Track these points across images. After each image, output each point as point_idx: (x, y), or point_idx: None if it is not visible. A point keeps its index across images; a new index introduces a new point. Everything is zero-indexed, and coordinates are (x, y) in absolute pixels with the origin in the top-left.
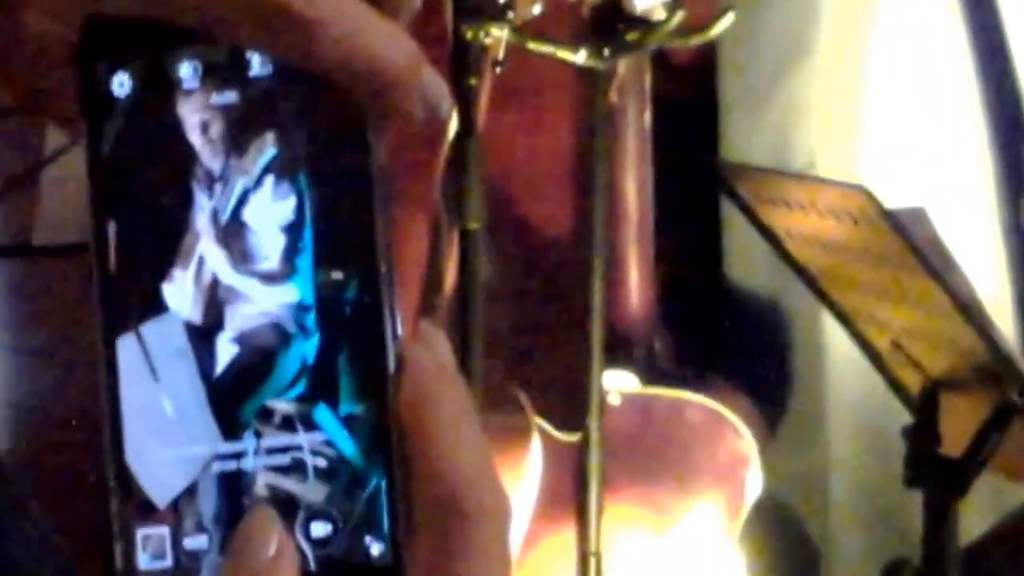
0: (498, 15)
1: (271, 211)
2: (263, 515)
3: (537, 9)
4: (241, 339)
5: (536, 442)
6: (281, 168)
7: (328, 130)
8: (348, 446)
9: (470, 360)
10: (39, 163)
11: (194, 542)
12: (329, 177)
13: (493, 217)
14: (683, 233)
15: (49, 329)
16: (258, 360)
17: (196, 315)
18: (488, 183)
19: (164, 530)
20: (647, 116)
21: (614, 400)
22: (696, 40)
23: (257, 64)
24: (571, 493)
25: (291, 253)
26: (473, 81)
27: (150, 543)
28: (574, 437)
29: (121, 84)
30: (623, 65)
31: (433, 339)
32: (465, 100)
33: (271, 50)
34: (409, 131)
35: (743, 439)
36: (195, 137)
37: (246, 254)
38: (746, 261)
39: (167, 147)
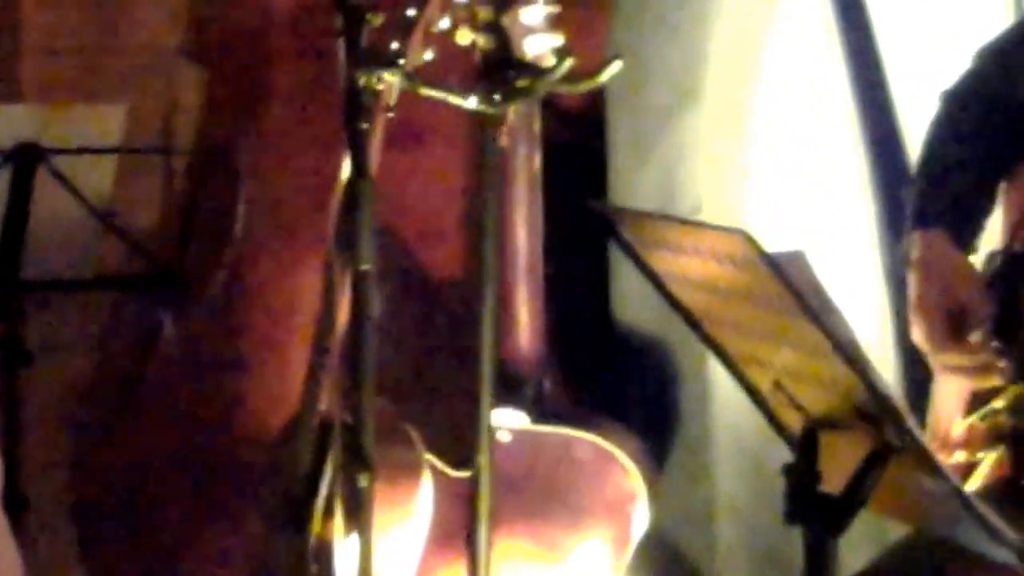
0: (390, 61)
1: None
2: None
3: (429, 55)
4: None
5: (427, 478)
6: None
7: None
8: None
9: (361, 398)
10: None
11: None
12: None
13: (385, 258)
14: (573, 275)
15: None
16: None
17: None
18: (381, 225)
19: None
20: (537, 160)
21: (504, 437)
22: (585, 86)
23: None
24: (462, 528)
25: None
26: (365, 125)
27: None
28: (464, 473)
29: None
30: (513, 110)
31: None
32: (357, 144)
33: None
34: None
35: (630, 476)
36: None
37: None
38: (634, 302)
39: None
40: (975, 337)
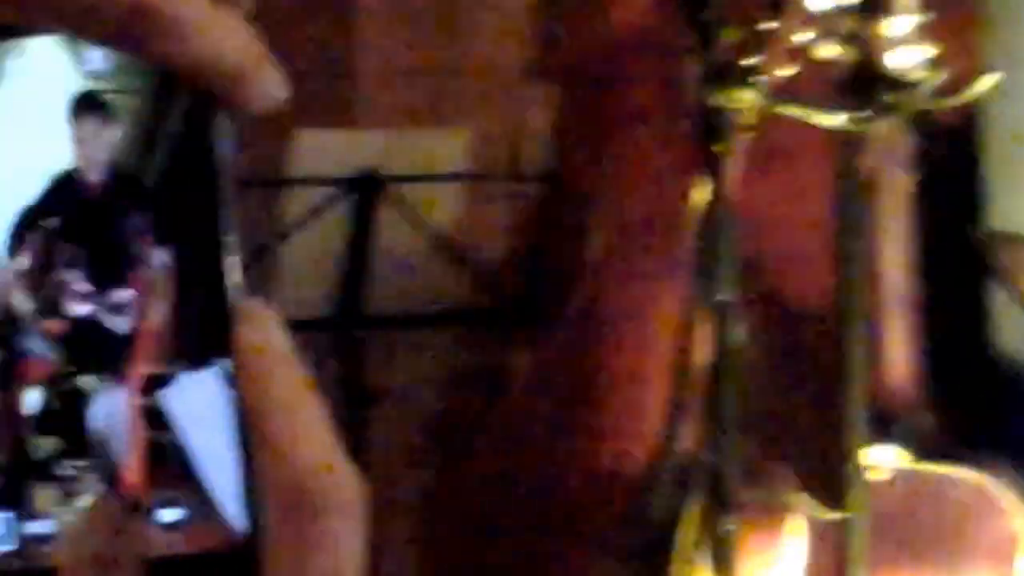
0: (746, 79)
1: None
2: (111, 499)
3: (789, 72)
4: None
5: (796, 521)
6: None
7: (173, 115)
8: None
9: (724, 436)
10: (279, 235)
11: (40, 526)
12: (187, 163)
13: (749, 286)
14: (948, 303)
15: None
16: None
17: None
18: (744, 252)
19: (9, 514)
20: (907, 181)
21: (878, 476)
22: (955, 102)
23: (97, 58)
24: (836, 571)
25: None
26: (721, 147)
27: None
28: (836, 515)
29: None
30: (881, 128)
31: (261, 320)
32: (714, 167)
33: (134, 47)
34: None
35: (1014, 517)
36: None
37: None
38: (1017, 331)
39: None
40: None
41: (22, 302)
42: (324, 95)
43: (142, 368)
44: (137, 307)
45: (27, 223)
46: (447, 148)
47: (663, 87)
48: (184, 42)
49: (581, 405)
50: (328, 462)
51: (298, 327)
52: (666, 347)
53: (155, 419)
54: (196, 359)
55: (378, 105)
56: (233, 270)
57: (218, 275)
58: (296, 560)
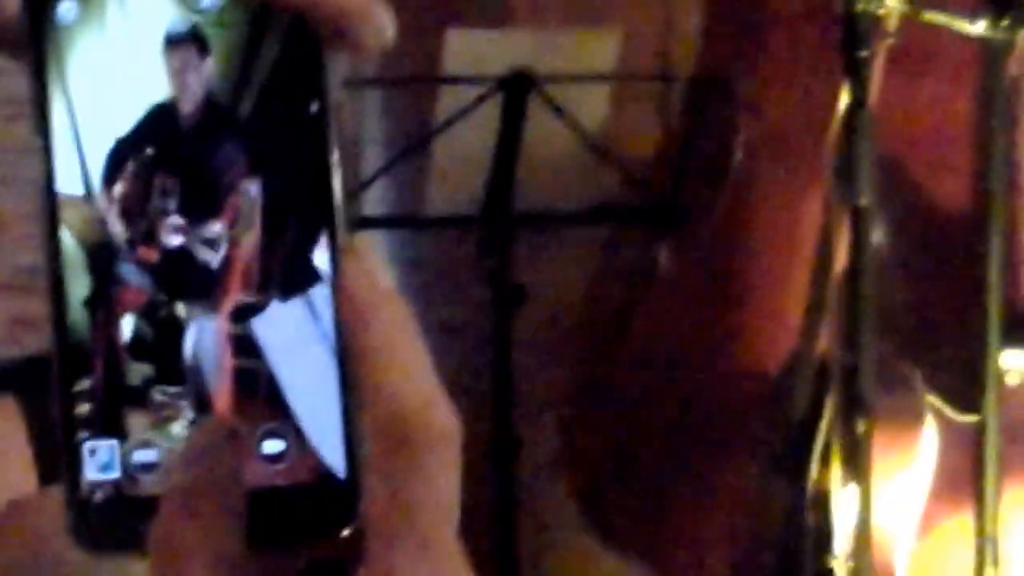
0: None
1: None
2: (213, 429)
3: None
4: None
5: (930, 424)
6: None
7: (279, 55)
8: None
9: (861, 338)
10: (430, 134)
11: (143, 455)
12: (283, 95)
13: (888, 191)
14: None
15: (440, 299)
16: None
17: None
18: (883, 157)
19: (113, 442)
20: None
21: (1013, 380)
22: None
23: None
24: (969, 476)
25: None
26: (864, 53)
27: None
28: (971, 418)
29: (68, 10)
30: (1023, 36)
31: (364, 254)
32: (856, 72)
33: None
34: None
35: None
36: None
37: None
38: None
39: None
40: None
41: (118, 230)
42: None
43: (233, 297)
44: (229, 237)
45: (123, 153)
46: (598, 48)
47: None
48: None
49: (724, 305)
50: (427, 398)
51: (448, 224)
52: (809, 249)
53: (249, 348)
54: (288, 288)
55: (530, 4)
56: (337, 200)
57: (313, 204)
58: (393, 494)
